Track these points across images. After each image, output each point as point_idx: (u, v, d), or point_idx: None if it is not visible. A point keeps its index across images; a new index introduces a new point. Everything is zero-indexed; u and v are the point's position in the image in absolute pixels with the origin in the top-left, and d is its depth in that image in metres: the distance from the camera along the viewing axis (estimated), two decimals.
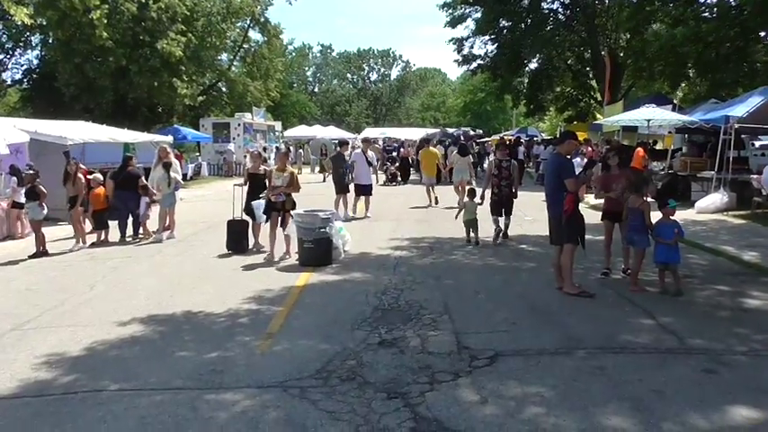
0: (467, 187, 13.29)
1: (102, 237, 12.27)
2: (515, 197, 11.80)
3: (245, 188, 11.25)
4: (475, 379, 5.02)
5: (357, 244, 10.98)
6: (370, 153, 16.13)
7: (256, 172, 11.26)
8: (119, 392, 4.91)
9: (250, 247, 11.03)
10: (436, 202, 17.61)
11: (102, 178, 12.86)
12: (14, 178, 12.76)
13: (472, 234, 11.58)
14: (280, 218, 10.24)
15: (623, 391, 4.74)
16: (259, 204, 10.70)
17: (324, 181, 26.38)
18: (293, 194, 10.45)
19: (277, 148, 36.01)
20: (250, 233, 11.11)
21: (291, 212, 10.15)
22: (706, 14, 23.40)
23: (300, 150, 37.51)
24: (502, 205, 11.59)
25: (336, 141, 20.06)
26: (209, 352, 5.76)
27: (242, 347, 5.90)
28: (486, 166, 13.16)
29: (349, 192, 15.34)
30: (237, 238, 10.90)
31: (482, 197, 11.75)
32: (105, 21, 25.93)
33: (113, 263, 10.32)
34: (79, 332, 6.46)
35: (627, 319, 6.65)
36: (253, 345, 5.97)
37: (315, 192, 21.17)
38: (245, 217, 11.14)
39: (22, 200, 12.05)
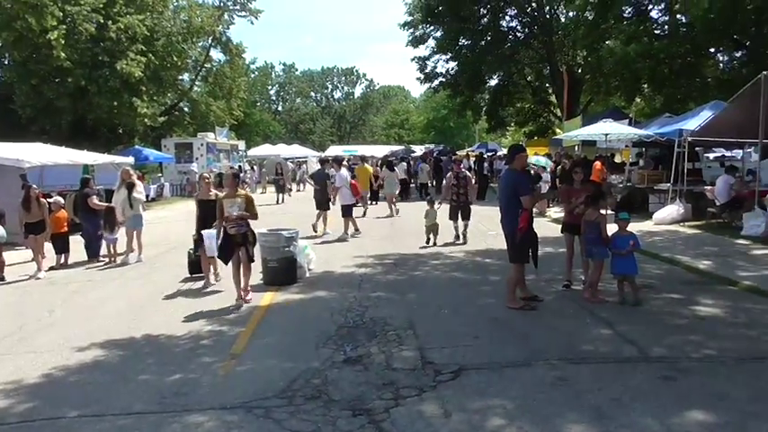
0: (428, 198, 15.35)
1: (62, 261, 12.05)
2: (471, 203, 13.89)
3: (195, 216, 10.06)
4: (439, 393, 5.06)
5: (321, 262, 10.97)
6: (343, 171, 16.17)
7: (207, 198, 9.73)
8: (78, 419, 4.82)
9: (205, 283, 9.76)
10: (364, 214, 19.31)
11: (62, 201, 12.67)
12: None
13: (432, 237, 13.39)
14: (243, 253, 8.43)
15: (584, 401, 4.84)
16: (211, 235, 9.00)
17: (279, 203, 25.83)
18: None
19: (239, 167, 35.80)
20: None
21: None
22: (658, 32, 24.21)
23: (264, 170, 37.31)
24: (459, 210, 13.55)
25: (319, 159, 21.01)
26: (171, 375, 5.70)
27: (205, 369, 5.85)
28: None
29: (329, 209, 15.50)
30: (197, 268, 10.20)
31: (440, 203, 13.82)
32: (63, 41, 25.55)
33: (74, 287, 10.13)
34: (37, 358, 6.33)
35: (587, 330, 6.79)
36: (216, 366, 5.92)
37: (277, 211, 21.22)
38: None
39: None
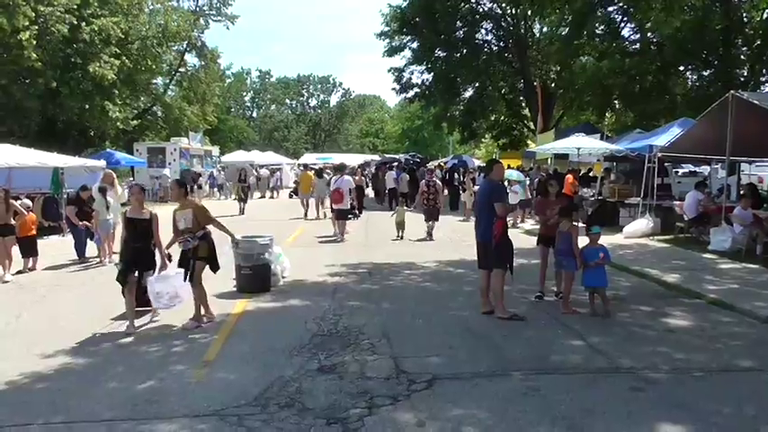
0: (400, 200, 18.72)
1: (30, 265, 11.81)
2: (439, 207, 16.47)
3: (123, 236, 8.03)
4: (413, 403, 5.08)
5: (296, 270, 10.92)
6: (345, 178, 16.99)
7: (137, 217, 7.69)
8: (45, 426, 4.73)
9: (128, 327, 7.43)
10: (306, 215, 21.96)
11: (30, 204, 12.46)
12: None
13: (401, 232, 15.90)
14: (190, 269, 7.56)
15: (556, 411, 4.89)
16: (151, 283, 7.56)
17: (241, 213, 23.56)
18: (213, 230, 7.82)
19: (211, 173, 35.40)
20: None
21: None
22: (629, 49, 24.70)
23: (224, 175, 36.77)
24: (430, 213, 15.98)
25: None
26: (142, 382, 5.62)
27: (177, 376, 5.78)
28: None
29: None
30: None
31: (415, 206, 17.15)
32: (34, 42, 25.16)
33: (42, 291, 9.92)
34: (3, 365, 6.16)
35: (559, 341, 6.87)
36: (188, 373, 5.86)
37: (245, 221, 21.11)
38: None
39: None
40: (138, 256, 7.57)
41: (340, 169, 17.63)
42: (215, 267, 7.86)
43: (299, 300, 9.01)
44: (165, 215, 8.08)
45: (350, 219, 17.72)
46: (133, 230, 7.60)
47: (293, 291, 9.63)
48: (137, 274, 7.54)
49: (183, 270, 7.63)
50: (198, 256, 7.58)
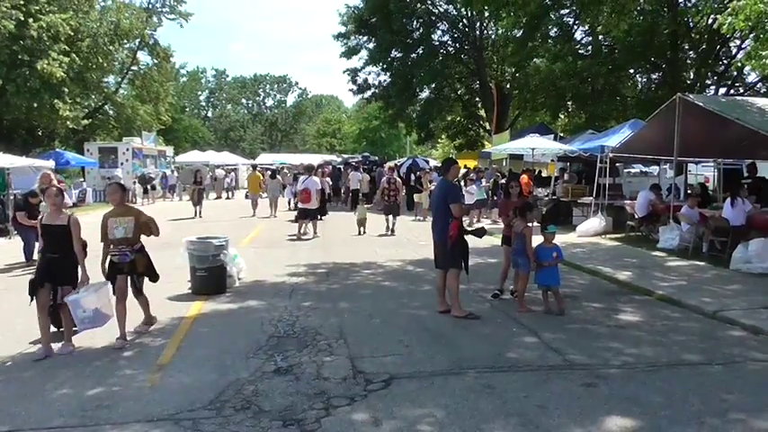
0: (360, 199, 19.85)
1: None
2: (399, 204, 17.45)
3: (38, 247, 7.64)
4: (370, 403, 5.08)
5: (254, 271, 10.82)
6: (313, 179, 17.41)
7: (53, 222, 6.71)
8: None
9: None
10: (253, 215, 22.48)
11: None
12: None
13: (362, 228, 16.86)
14: (129, 282, 7.07)
15: (511, 408, 4.96)
16: (76, 302, 6.53)
17: (196, 215, 22.40)
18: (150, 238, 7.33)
19: (164, 174, 34.74)
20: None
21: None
22: (582, 52, 25.26)
23: (178, 176, 36.24)
24: (390, 209, 17.04)
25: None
26: (92, 387, 5.48)
27: (129, 381, 5.66)
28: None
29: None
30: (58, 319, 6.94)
31: (375, 203, 17.51)
32: None
33: None
34: None
35: (514, 339, 6.97)
36: (141, 378, 5.74)
37: (213, 218, 20.80)
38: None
39: None
40: (53, 268, 6.57)
41: (309, 170, 17.93)
42: (155, 278, 7.38)
43: (256, 301, 8.92)
44: None
45: (319, 219, 17.82)
46: (48, 238, 6.70)
47: (250, 292, 9.53)
48: (52, 289, 6.54)
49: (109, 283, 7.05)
50: (138, 271, 7.08)
